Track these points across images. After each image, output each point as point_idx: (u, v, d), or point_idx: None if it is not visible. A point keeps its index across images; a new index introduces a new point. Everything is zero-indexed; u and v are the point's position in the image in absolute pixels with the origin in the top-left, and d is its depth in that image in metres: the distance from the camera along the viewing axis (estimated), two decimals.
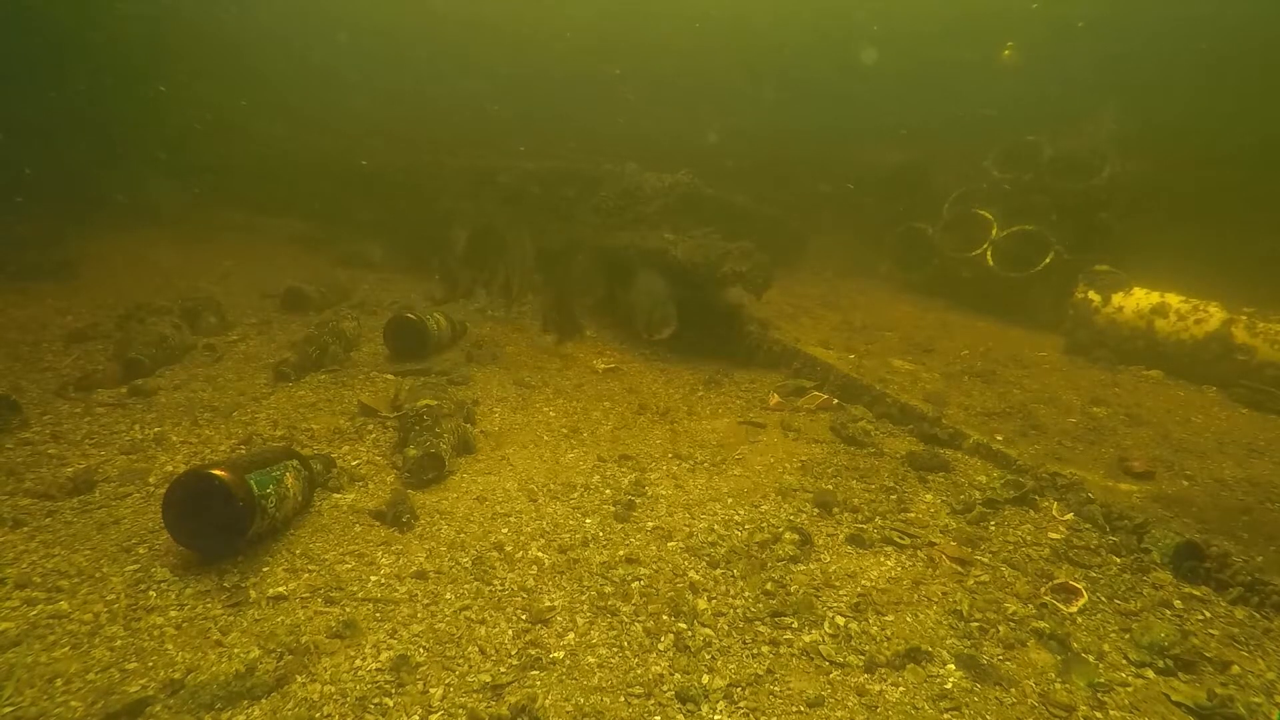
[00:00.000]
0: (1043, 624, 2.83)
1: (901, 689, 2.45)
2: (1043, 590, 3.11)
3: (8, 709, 2.09)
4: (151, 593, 2.69)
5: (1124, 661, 2.69)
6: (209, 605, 2.64)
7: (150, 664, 2.32)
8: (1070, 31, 17.55)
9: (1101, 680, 2.56)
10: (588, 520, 3.47)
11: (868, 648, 2.64)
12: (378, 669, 2.37)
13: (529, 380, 5.52)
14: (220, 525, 2.83)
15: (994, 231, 9.38)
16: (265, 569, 2.89)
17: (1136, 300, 6.96)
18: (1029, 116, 10.38)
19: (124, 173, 10.21)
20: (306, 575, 2.87)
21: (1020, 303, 9.00)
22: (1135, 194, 9.58)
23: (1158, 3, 16.01)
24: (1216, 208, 10.55)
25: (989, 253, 9.31)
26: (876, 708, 2.36)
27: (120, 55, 10.91)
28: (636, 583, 2.96)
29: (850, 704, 2.37)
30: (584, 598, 2.84)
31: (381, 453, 4.09)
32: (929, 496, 3.94)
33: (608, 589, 2.91)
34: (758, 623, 2.75)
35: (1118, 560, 3.40)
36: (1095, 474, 4.19)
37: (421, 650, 2.48)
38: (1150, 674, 2.63)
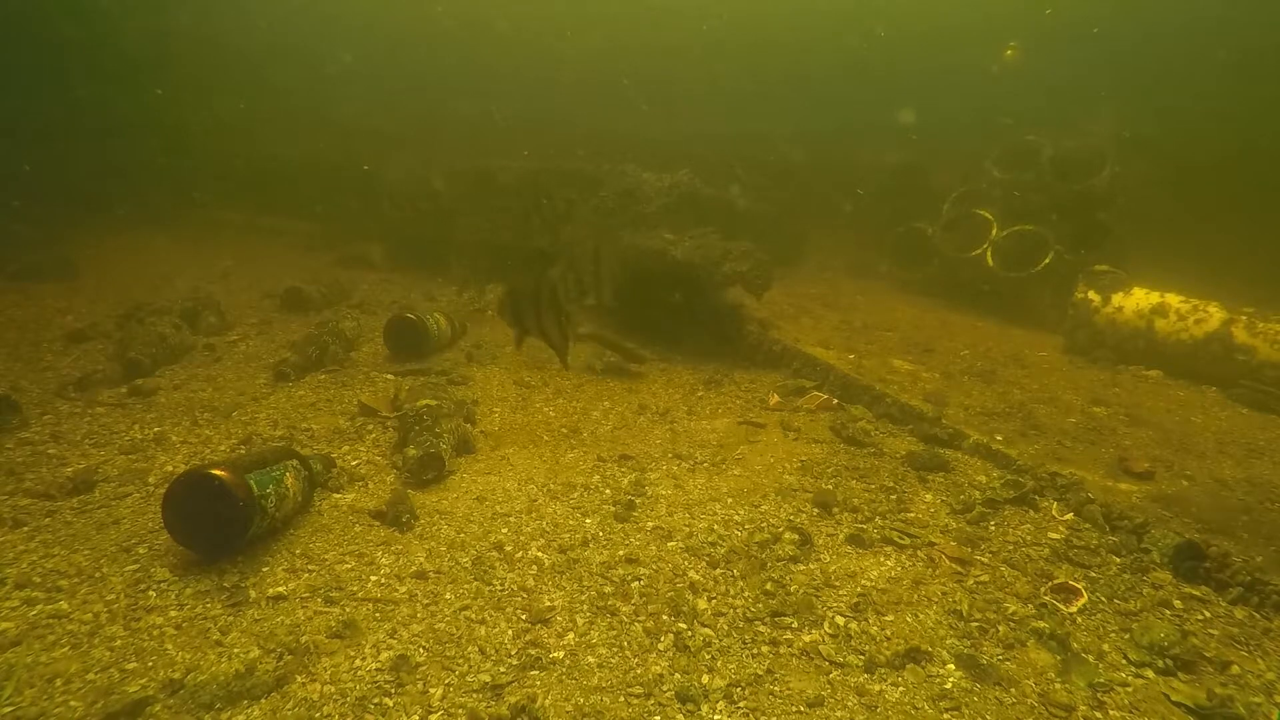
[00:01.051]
0: (1043, 624, 2.83)
1: (901, 689, 2.45)
2: (1043, 590, 3.11)
3: (8, 709, 2.10)
4: (151, 593, 2.69)
5: (1124, 661, 2.69)
6: (209, 605, 2.64)
7: (150, 664, 2.32)
8: (1086, 38, 17.54)
9: (1101, 680, 2.56)
10: (588, 520, 3.47)
11: (867, 648, 2.64)
12: (377, 669, 2.37)
13: (529, 380, 5.52)
14: (220, 525, 2.83)
15: (994, 231, 9.38)
16: (265, 569, 2.89)
17: (1136, 300, 6.95)
18: (1047, 125, 10.31)
19: (126, 176, 10.23)
20: (306, 575, 2.87)
21: (1020, 303, 9.00)
22: (1137, 194, 9.59)
23: (1171, 9, 16.00)
24: (1223, 208, 10.58)
25: (989, 253, 9.31)
26: (876, 708, 2.36)
27: (132, 62, 10.95)
28: (636, 583, 2.96)
29: (850, 704, 2.37)
30: (584, 598, 2.84)
31: (381, 453, 4.09)
32: (929, 496, 3.94)
33: (608, 589, 2.91)
34: (757, 623, 2.75)
35: (1117, 560, 3.40)
36: (1095, 474, 4.19)
37: (421, 650, 2.48)
38: (1150, 674, 2.63)
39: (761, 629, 2.72)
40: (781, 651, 2.60)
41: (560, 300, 3.89)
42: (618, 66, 18.16)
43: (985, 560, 3.32)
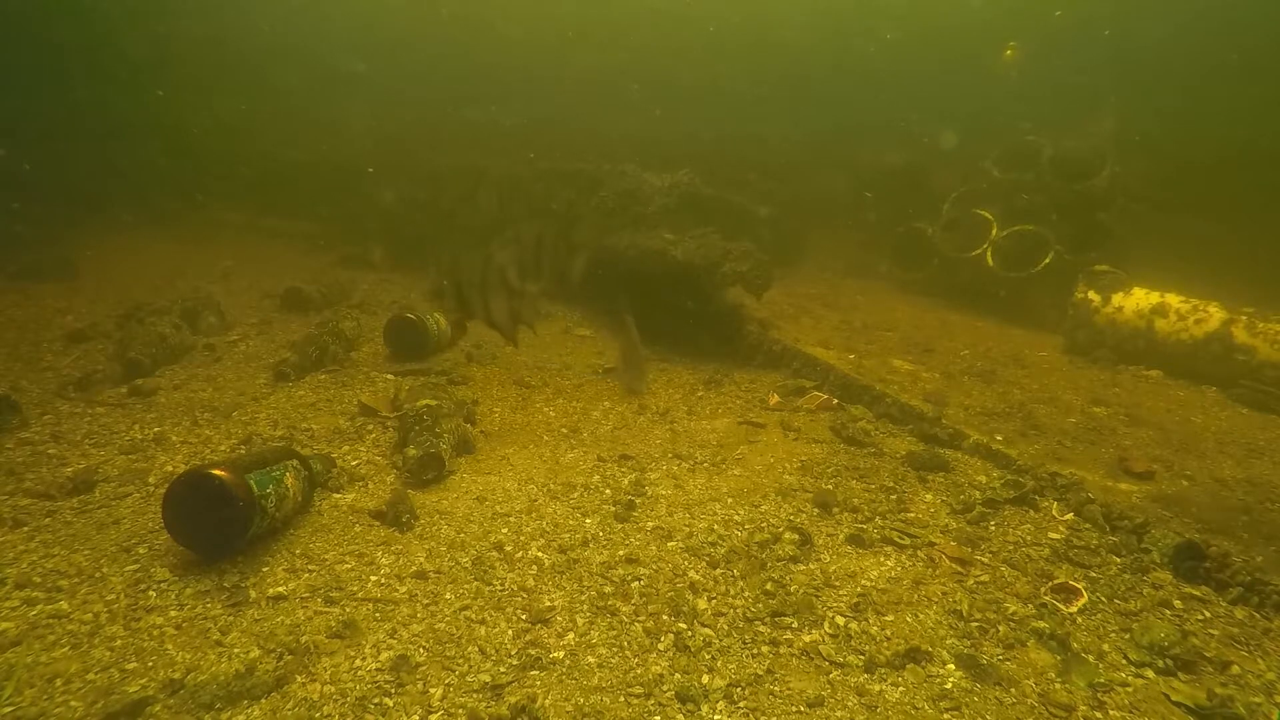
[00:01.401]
0: (1043, 624, 2.83)
1: (901, 689, 2.45)
2: (1043, 590, 3.11)
3: (8, 709, 2.10)
4: (151, 593, 2.69)
5: (1124, 661, 2.69)
6: (209, 605, 2.64)
7: (150, 664, 2.32)
8: (1099, 41, 17.40)
9: (1101, 680, 2.56)
10: (588, 520, 3.47)
11: (868, 648, 2.64)
12: (378, 669, 2.37)
13: (529, 380, 5.52)
14: (220, 525, 2.83)
15: (994, 231, 9.38)
16: (265, 569, 2.89)
17: (1136, 300, 6.95)
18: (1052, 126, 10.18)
19: (127, 177, 10.23)
20: (306, 575, 2.87)
21: (1020, 303, 9.00)
22: (1138, 194, 9.59)
23: (1186, 11, 15.88)
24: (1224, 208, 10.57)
25: (989, 253, 9.31)
26: (876, 708, 2.36)
27: (133, 64, 10.96)
28: (636, 583, 2.96)
29: (850, 704, 2.37)
30: (584, 598, 2.84)
31: (381, 453, 4.09)
32: (929, 496, 3.94)
33: (608, 589, 2.91)
34: (758, 623, 2.75)
35: (1118, 560, 3.40)
36: (1095, 474, 4.19)
37: (421, 650, 2.48)
38: (1150, 674, 2.63)
39: (761, 629, 2.72)
40: (781, 651, 2.60)
41: (509, 282, 3.79)
42: (626, 71, 18.08)
43: (985, 560, 3.32)
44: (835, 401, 5.25)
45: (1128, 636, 2.82)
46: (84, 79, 10.38)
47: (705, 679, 2.43)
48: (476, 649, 2.51)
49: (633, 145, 11.50)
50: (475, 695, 2.29)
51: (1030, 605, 2.98)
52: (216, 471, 2.83)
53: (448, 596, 2.80)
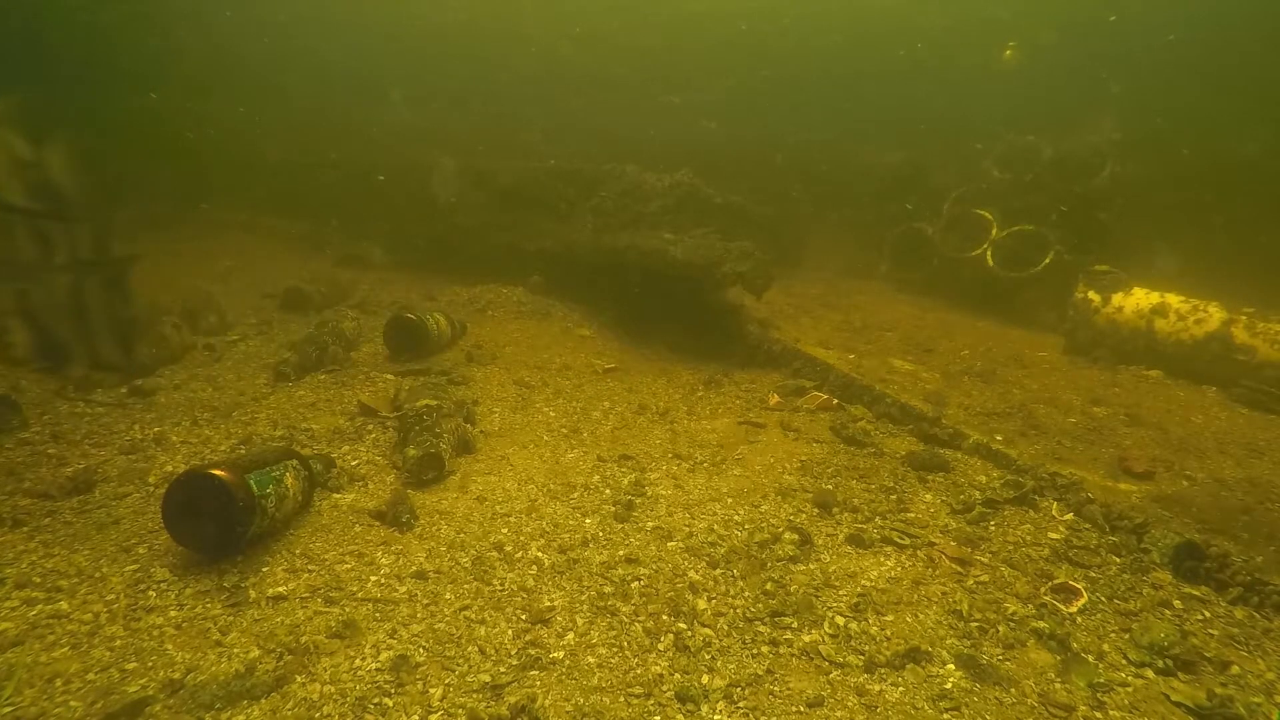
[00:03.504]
0: (1042, 624, 2.83)
1: (901, 689, 2.45)
2: (1042, 590, 3.11)
3: (8, 709, 2.10)
4: (151, 593, 2.69)
5: (1124, 661, 2.69)
6: (209, 605, 2.64)
7: (150, 664, 2.32)
8: (1165, 48, 17.17)
9: (1101, 680, 2.56)
10: (587, 520, 3.47)
11: (867, 648, 2.64)
12: (377, 669, 2.37)
13: (529, 380, 5.52)
14: (220, 525, 2.83)
15: (994, 231, 9.39)
16: (265, 569, 2.89)
17: (1136, 300, 6.95)
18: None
19: (129, 181, 10.23)
20: (306, 575, 2.87)
21: (1020, 303, 9.01)
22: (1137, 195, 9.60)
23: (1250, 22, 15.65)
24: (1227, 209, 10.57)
25: (989, 253, 9.31)
26: (876, 708, 2.36)
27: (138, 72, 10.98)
28: (636, 583, 2.96)
29: (850, 704, 2.37)
30: (584, 598, 2.84)
31: (381, 453, 4.09)
32: (929, 496, 3.94)
33: (607, 589, 2.91)
34: (757, 623, 2.75)
35: (1117, 560, 3.40)
36: (1095, 474, 4.19)
37: (421, 650, 2.48)
38: (1150, 674, 2.63)
39: (761, 629, 2.72)
40: (781, 651, 2.60)
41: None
42: (663, 79, 17.94)
43: (985, 560, 3.32)
44: (835, 401, 5.25)
45: (1128, 636, 2.82)
46: (86, 83, 10.38)
47: (705, 679, 2.43)
48: (476, 649, 2.51)
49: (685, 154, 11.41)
50: (475, 695, 2.29)
51: (1030, 605, 2.98)
52: (217, 471, 2.82)
53: (448, 596, 2.80)
